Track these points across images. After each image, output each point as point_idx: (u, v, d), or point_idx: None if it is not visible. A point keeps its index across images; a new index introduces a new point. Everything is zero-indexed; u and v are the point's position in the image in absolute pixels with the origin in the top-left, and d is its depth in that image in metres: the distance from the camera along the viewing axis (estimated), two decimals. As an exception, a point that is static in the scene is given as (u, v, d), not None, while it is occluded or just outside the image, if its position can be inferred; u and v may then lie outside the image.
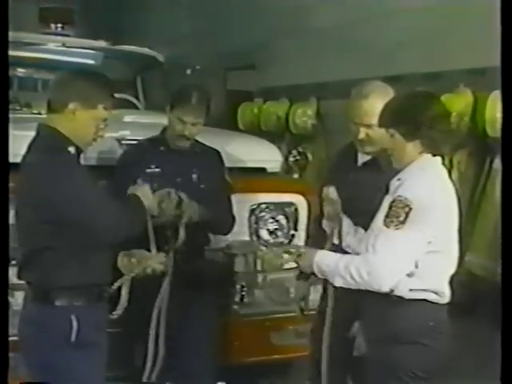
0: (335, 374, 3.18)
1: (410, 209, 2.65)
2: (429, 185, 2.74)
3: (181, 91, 3.76)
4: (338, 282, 2.77)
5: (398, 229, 2.66)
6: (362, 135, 3.18)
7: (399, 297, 2.72)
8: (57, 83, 3.06)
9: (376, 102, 3.12)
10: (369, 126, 3.15)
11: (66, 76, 3.04)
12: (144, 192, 3.13)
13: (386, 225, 2.69)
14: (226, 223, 3.87)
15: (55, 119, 2.92)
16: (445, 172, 2.85)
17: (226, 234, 3.97)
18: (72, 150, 2.88)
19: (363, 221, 2.92)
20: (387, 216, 2.69)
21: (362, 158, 3.29)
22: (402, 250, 2.67)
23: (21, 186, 2.91)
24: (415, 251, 2.70)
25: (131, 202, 3.08)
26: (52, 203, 2.77)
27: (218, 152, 3.89)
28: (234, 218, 3.89)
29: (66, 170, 2.80)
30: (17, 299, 3.43)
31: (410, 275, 2.71)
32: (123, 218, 2.93)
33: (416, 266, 2.71)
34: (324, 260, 2.83)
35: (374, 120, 3.08)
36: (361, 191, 3.16)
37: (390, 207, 2.70)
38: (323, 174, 4.01)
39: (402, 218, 2.66)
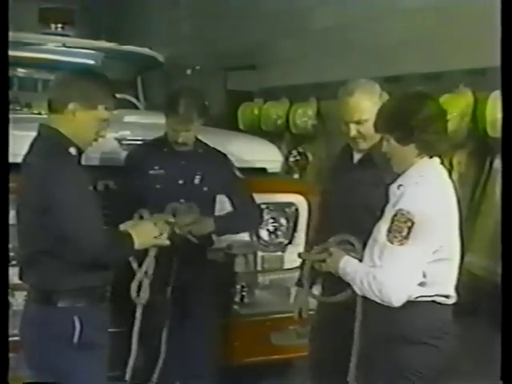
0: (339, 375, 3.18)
1: (413, 223, 2.62)
2: (430, 192, 2.71)
3: (169, 100, 3.71)
4: (357, 291, 2.77)
5: (402, 244, 2.63)
6: (353, 132, 3.21)
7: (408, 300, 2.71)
8: (57, 83, 3.05)
9: (361, 97, 3.17)
10: (358, 123, 3.18)
11: (67, 76, 3.02)
12: (139, 230, 2.98)
13: (390, 240, 2.66)
14: (251, 219, 3.91)
15: (56, 120, 2.90)
16: (445, 173, 2.83)
17: (255, 228, 4.05)
18: (73, 151, 2.87)
19: (362, 217, 2.92)
20: (390, 231, 2.66)
21: (357, 156, 3.31)
22: (408, 265, 2.65)
23: (21, 187, 2.90)
24: (422, 263, 2.68)
25: (121, 237, 2.95)
26: (49, 207, 2.75)
27: (222, 153, 3.88)
28: (259, 209, 3.95)
29: (65, 176, 2.77)
30: (17, 299, 3.43)
31: (419, 285, 2.70)
32: (109, 241, 2.85)
33: (424, 276, 2.70)
34: (346, 267, 2.81)
35: (363, 116, 3.14)
36: (358, 187, 3.18)
37: (393, 221, 2.66)
38: (323, 175, 4.01)
39: (404, 233, 2.63)
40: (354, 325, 2.94)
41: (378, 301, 2.68)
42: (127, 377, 3.38)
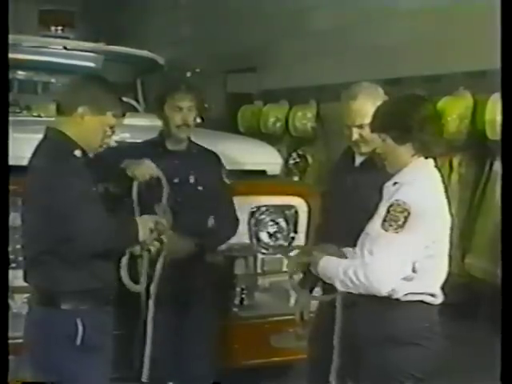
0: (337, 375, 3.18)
1: (409, 213, 2.65)
2: (425, 189, 2.74)
3: (168, 84, 3.90)
4: (339, 287, 2.77)
5: (397, 232, 2.66)
6: (355, 136, 3.22)
7: (396, 299, 2.72)
8: (68, 87, 3.08)
9: (365, 102, 3.17)
10: (361, 127, 3.19)
11: (78, 80, 3.08)
12: (145, 223, 3.01)
13: (385, 228, 2.68)
14: (228, 230, 3.86)
15: (63, 122, 2.92)
16: (438, 176, 2.86)
17: (229, 238, 3.95)
18: (78, 153, 2.88)
19: (363, 220, 2.93)
20: (385, 220, 2.69)
21: (359, 159, 3.32)
22: (400, 252, 2.67)
23: (26, 189, 2.91)
24: (413, 255, 2.70)
25: (128, 225, 3.00)
26: (54, 208, 2.76)
27: (215, 154, 3.89)
28: (237, 220, 3.88)
29: (70, 177, 2.79)
30: (16, 302, 3.43)
31: (408, 279, 2.72)
32: (117, 226, 2.91)
33: (414, 271, 2.71)
34: (327, 266, 2.82)
35: (366, 120, 3.13)
36: (360, 190, 3.19)
37: (388, 211, 2.69)
38: (323, 178, 4.02)
39: (400, 222, 2.66)
40: (335, 326, 2.97)
41: (363, 291, 2.68)
42: (144, 378, 3.38)
